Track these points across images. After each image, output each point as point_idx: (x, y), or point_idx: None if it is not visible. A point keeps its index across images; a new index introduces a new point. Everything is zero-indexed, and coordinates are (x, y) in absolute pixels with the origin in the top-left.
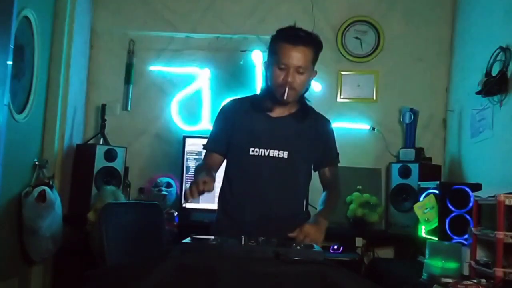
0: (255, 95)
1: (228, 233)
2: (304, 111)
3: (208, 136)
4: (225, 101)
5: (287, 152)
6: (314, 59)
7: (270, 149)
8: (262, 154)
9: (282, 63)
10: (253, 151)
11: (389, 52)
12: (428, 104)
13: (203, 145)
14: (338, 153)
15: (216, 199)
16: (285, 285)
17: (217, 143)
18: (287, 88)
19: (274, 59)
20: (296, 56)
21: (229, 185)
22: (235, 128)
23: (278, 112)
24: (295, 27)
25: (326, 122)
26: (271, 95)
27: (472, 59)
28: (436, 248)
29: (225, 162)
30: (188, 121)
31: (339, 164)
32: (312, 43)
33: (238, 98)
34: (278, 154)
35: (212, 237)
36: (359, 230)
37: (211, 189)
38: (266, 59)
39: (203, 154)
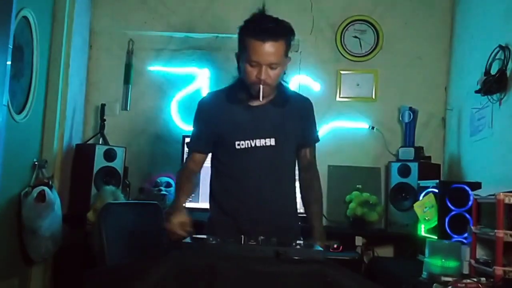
0: (230, 86)
1: (224, 229)
2: (283, 96)
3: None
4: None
5: (274, 139)
6: (287, 50)
7: (256, 138)
8: (249, 145)
9: (253, 61)
10: (239, 144)
11: (388, 51)
12: (427, 103)
13: (187, 143)
14: (317, 134)
15: None
16: (285, 285)
17: (200, 142)
18: (261, 86)
19: (245, 56)
20: (267, 52)
21: (219, 182)
22: (217, 123)
23: (257, 101)
24: (261, 17)
25: (307, 101)
26: (246, 87)
27: (471, 57)
28: (435, 247)
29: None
30: (187, 121)
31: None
32: (283, 34)
33: (214, 92)
34: (266, 143)
35: (212, 237)
36: (359, 229)
37: (190, 229)
38: (238, 49)
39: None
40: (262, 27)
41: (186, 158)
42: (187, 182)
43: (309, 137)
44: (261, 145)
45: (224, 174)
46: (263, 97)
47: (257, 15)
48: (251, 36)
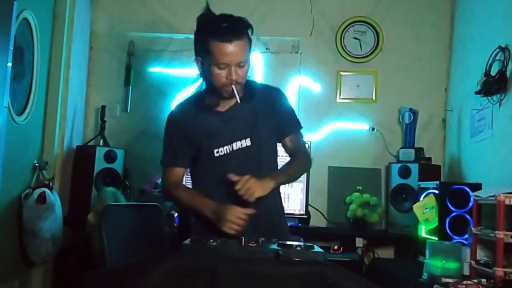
0: (196, 94)
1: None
2: (249, 91)
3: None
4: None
5: (249, 139)
6: (250, 45)
7: (233, 142)
8: (227, 151)
9: (221, 63)
10: (217, 151)
11: (388, 52)
12: (428, 104)
13: (161, 161)
14: (298, 121)
15: None
16: (285, 286)
17: (178, 157)
18: (233, 87)
19: (211, 59)
20: (234, 52)
21: (203, 192)
22: (192, 135)
23: (225, 105)
24: (218, 16)
25: (275, 91)
26: (215, 91)
27: (471, 59)
28: (436, 248)
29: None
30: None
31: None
32: (245, 31)
33: (181, 104)
34: (242, 144)
35: (212, 238)
36: (359, 230)
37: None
38: (198, 55)
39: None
40: (224, 27)
41: (163, 179)
42: (186, 189)
43: (286, 126)
44: (238, 147)
45: (203, 183)
46: (241, 98)
47: (210, 15)
48: (215, 38)
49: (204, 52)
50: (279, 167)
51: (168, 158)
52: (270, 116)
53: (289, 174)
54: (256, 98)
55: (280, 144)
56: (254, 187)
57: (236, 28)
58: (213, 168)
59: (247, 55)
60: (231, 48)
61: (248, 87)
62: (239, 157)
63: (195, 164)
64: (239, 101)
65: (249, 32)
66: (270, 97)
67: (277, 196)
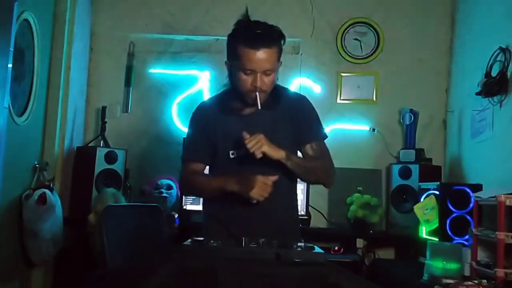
0: (221, 96)
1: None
2: (274, 98)
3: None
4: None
5: None
6: (280, 54)
7: None
8: (243, 154)
9: (248, 69)
10: (232, 154)
11: (388, 53)
12: (428, 105)
13: (181, 156)
14: (322, 129)
15: None
16: (286, 287)
17: (199, 152)
18: (257, 94)
19: (238, 64)
20: (261, 59)
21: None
22: (212, 134)
23: (247, 110)
24: (251, 23)
25: (301, 99)
26: (239, 96)
27: (472, 59)
28: (437, 249)
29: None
30: (188, 123)
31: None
32: (275, 40)
33: (206, 102)
34: None
35: (213, 239)
36: (360, 231)
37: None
38: (228, 59)
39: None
40: (254, 34)
41: (181, 172)
42: (204, 175)
43: (308, 133)
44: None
45: None
46: (261, 105)
47: (245, 21)
48: (244, 44)
49: (233, 56)
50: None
51: (189, 152)
52: (292, 123)
53: (305, 162)
54: (281, 105)
55: (300, 153)
56: (262, 142)
57: (266, 35)
58: (228, 170)
59: (274, 64)
60: (258, 55)
61: (275, 94)
62: (254, 161)
63: (212, 165)
64: (259, 107)
65: (281, 41)
66: (295, 103)
67: (291, 202)
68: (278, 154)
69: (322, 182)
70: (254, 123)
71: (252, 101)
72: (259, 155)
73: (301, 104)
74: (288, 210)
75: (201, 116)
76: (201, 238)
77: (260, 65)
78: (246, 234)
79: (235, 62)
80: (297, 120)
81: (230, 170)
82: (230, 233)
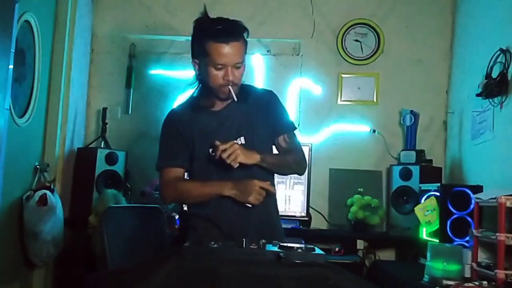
0: (191, 98)
1: (208, 235)
2: (243, 92)
3: (160, 154)
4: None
5: (243, 138)
6: (246, 47)
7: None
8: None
9: (219, 64)
10: (212, 151)
11: (389, 54)
12: (429, 106)
13: (156, 165)
14: (291, 121)
15: None
16: None
17: (178, 157)
18: (230, 88)
19: (208, 60)
20: (231, 53)
21: None
22: (188, 136)
23: (220, 105)
24: (215, 19)
25: (269, 93)
26: (210, 92)
27: (472, 61)
28: (437, 250)
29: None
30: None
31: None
32: (241, 33)
33: (178, 108)
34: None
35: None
36: (361, 232)
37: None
38: (195, 58)
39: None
40: (221, 29)
41: (161, 180)
42: (191, 180)
43: (279, 126)
44: None
45: None
46: (237, 98)
47: (206, 19)
48: (213, 40)
49: (201, 54)
50: None
51: (166, 159)
52: (263, 117)
53: (279, 159)
54: (250, 100)
55: (274, 146)
56: (237, 153)
57: (233, 29)
58: (208, 167)
59: (243, 57)
60: (228, 49)
61: (243, 90)
62: None
63: (191, 165)
64: (235, 99)
65: (245, 34)
66: (263, 98)
67: (272, 194)
68: (253, 159)
69: (296, 172)
70: (228, 117)
71: (225, 95)
72: (235, 165)
73: (269, 97)
74: (270, 205)
75: (174, 122)
76: (201, 239)
77: (230, 58)
78: (237, 231)
79: (204, 59)
80: (268, 113)
81: (209, 169)
82: (222, 231)
